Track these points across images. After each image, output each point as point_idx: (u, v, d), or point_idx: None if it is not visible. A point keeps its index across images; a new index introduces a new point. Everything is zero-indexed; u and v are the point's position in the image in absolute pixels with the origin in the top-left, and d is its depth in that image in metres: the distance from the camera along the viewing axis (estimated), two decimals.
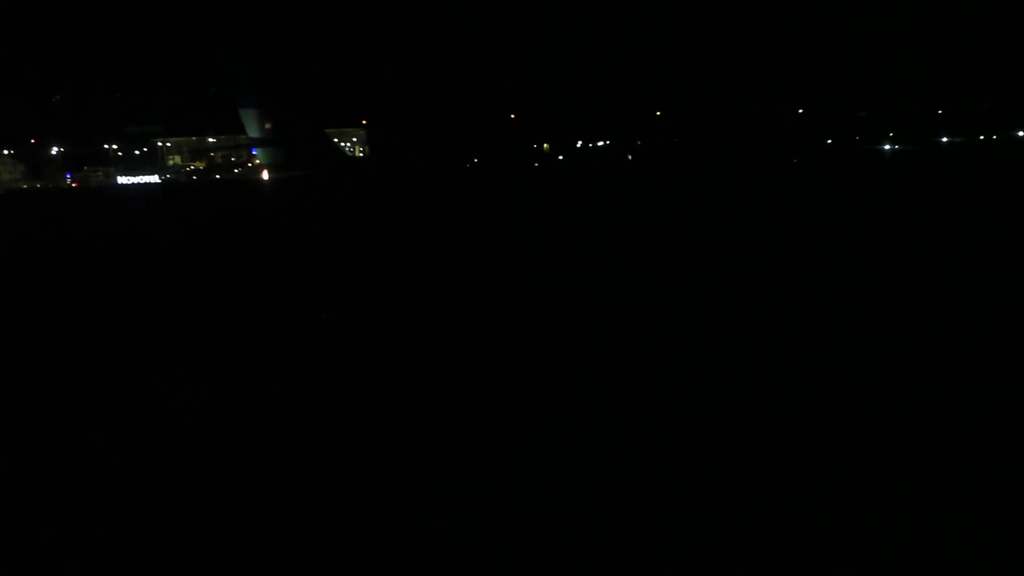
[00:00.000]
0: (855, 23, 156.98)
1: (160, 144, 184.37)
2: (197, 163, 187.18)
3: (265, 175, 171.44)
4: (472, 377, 14.11)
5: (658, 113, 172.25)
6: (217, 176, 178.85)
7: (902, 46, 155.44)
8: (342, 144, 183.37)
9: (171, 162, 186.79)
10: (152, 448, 11.43)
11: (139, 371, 15.80)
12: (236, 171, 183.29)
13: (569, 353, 15.30)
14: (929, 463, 9.68)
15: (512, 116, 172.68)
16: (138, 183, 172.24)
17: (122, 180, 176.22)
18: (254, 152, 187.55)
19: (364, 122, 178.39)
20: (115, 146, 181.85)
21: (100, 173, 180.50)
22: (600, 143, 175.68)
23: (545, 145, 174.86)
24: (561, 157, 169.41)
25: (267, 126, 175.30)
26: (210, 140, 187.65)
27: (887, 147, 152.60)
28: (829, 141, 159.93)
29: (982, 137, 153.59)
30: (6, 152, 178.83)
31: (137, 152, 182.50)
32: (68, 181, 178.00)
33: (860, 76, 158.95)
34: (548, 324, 17.73)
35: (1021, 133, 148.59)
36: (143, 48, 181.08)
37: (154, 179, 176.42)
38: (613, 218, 43.99)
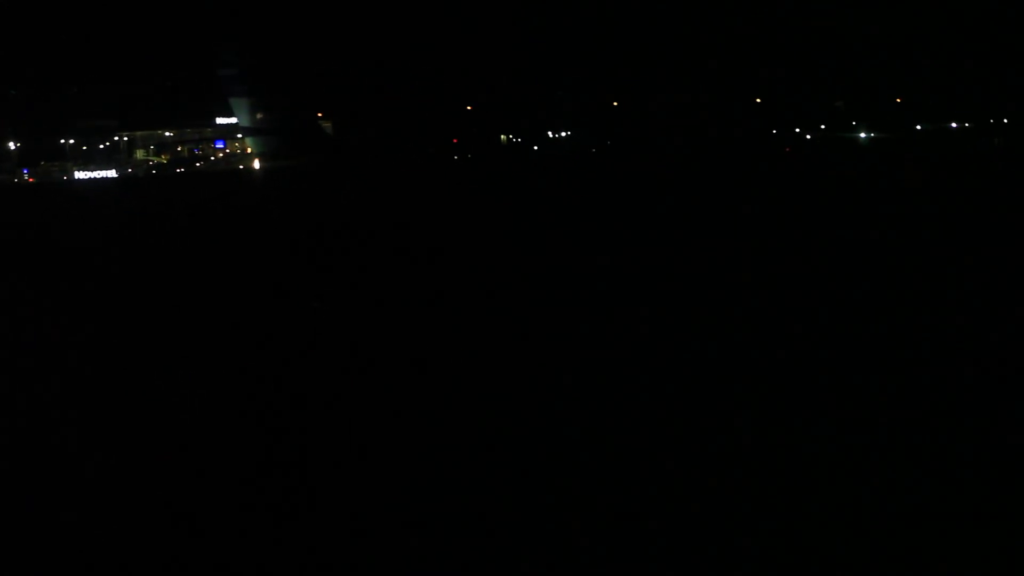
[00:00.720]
0: (829, 13, 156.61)
1: (117, 138, 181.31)
2: (161, 157, 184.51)
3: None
4: (470, 374, 14.10)
5: (615, 103, 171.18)
6: (179, 170, 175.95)
7: (877, 37, 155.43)
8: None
9: (137, 156, 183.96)
10: (135, 448, 11.39)
11: (132, 369, 15.64)
12: (198, 164, 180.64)
13: (566, 349, 15.26)
14: (929, 463, 9.65)
15: (468, 108, 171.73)
16: (100, 177, 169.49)
17: (80, 175, 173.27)
18: (219, 145, 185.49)
19: (320, 114, 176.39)
20: (72, 140, 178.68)
21: (57, 167, 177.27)
22: (563, 134, 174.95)
23: (502, 136, 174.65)
24: (536, 147, 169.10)
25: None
26: (168, 134, 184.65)
27: (863, 135, 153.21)
28: (797, 130, 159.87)
29: (954, 125, 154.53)
30: None
31: (101, 146, 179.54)
32: (25, 176, 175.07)
33: (835, 66, 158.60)
34: (545, 320, 17.69)
35: (992, 120, 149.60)
36: (103, 41, 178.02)
37: (111, 174, 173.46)
38: (595, 212, 43.95)
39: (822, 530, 8.27)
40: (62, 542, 8.85)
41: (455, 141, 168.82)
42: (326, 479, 10.07)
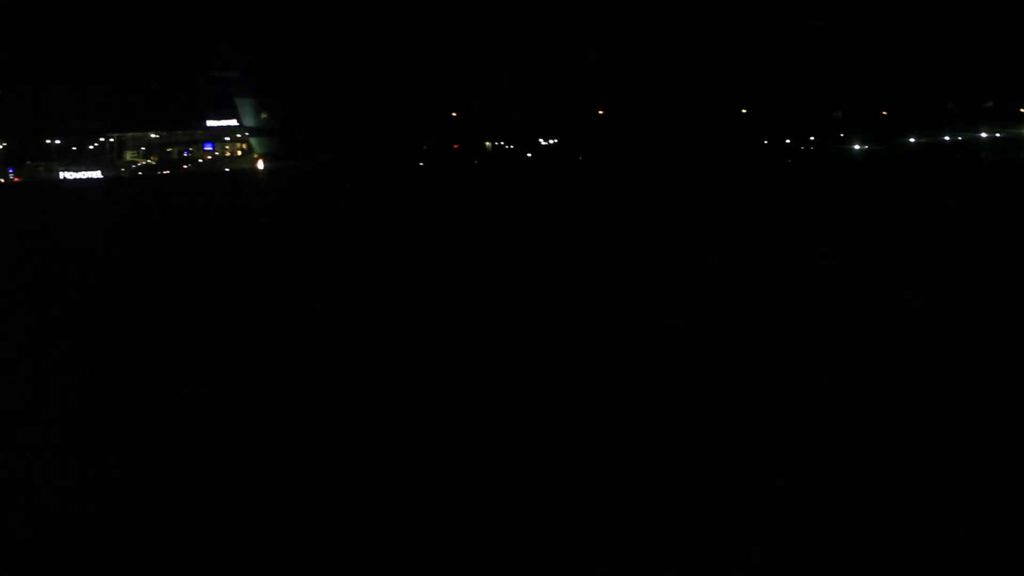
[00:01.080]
0: (823, 21, 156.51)
1: (104, 139, 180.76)
2: (150, 159, 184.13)
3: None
4: (470, 374, 14.14)
5: (600, 112, 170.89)
6: (165, 172, 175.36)
7: (872, 47, 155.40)
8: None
9: (125, 157, 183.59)
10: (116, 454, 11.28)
11: (135, 369, 15.45)
12: (186, 167, 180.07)
13: (562, 350, 15.38)
14: (930, 464, 9.74)
15: (454, 114, 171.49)
16: (84, 178, 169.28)
17: (66, 175, 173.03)
18: (208, 147, 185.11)
19: (319, 115, 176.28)
20: (59, 141, 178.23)
21: (43, 167, 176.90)
22: (551, 141, 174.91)
23: (487, 143, 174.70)
24: (529, 155, 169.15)
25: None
26: (152, 136, 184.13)
27: (858, 147, 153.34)
28: (788, 141, 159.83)
29: (947, 138, 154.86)
30: None
31: (90, 147, 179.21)
32: (11, 176, 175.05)
33: (832, 77, 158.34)
34: (544, 321, 17.77)
35: (984, 134, 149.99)
36: (92, 42, 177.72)
37: (97, 175, 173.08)
38: (584, 217, 43.89)
39: (822, 531, 8.32)
40: (61, 542, 8.79)
41: (455, 147, 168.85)
42: (325, 479, 9.98)
